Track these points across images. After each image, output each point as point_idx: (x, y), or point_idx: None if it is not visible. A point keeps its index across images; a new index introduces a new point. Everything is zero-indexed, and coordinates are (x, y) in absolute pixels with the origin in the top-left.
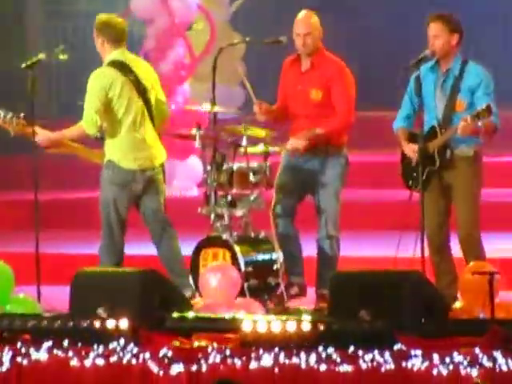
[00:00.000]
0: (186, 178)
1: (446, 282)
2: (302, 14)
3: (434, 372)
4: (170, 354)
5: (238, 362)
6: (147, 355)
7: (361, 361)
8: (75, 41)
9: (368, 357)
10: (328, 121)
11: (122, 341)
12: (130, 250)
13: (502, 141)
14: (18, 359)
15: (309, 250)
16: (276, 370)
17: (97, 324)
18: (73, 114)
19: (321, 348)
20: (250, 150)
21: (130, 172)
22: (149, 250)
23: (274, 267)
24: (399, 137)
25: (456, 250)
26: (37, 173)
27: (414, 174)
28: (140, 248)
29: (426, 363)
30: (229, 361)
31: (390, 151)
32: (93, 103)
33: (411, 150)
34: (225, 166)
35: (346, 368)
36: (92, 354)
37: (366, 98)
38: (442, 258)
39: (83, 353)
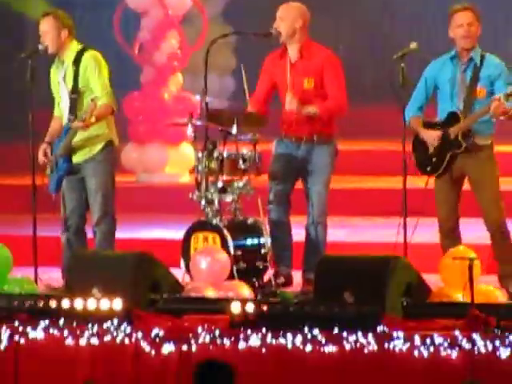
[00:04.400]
0: (178, 164)
1: None
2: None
3: (416, 353)
4: (161, 333)
5: (226, 343)
6: (140, 335)
7: (345, 342)
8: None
9: (352, 338)
10: (323, 102)
11: (115, 321)
12: (125, 233)
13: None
14: (16, 338)
15: (297, 235)
16: (263, 350)
17: (91, 304)
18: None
19: (306, 329)
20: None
21: None
22: (143, 234)
23: (262, 251)
24: (414, 126)
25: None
26: (34, 158)
27: (434, 160)
28: (134, 232)
29: (408, 344)
30: (218, 341)
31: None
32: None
33: (432, 136)
34: (215, 154)
35: (331, 349)
36: (87, 333)
37: (353, 91)
38: (452, 243)
39: (78, 332)
